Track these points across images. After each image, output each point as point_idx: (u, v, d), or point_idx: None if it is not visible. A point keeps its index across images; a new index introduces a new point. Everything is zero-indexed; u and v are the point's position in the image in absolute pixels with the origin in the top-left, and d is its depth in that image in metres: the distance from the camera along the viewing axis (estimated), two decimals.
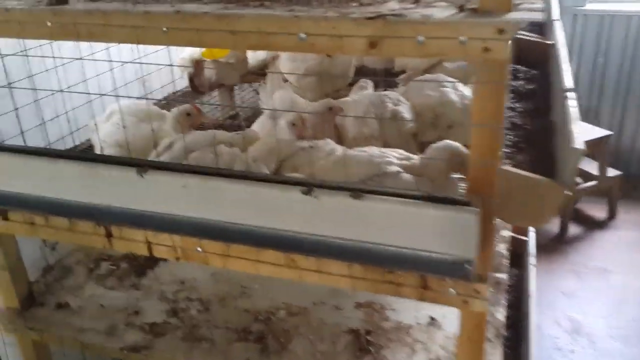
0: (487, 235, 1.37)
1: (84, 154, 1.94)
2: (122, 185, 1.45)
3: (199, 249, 1.63)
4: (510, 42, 1.18)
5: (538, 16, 1.15)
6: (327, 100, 2.01)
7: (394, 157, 1.70)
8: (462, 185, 1.87)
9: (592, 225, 5.12)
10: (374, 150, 1.70)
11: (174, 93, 2.99)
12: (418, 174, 1.68)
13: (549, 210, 1.45)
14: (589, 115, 5.64)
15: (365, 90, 2.26)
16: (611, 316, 4.11)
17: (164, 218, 1.43)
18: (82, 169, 1.52)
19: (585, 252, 4.80)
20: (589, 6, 5.36)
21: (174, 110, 1.96)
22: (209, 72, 2.79)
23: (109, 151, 2.02)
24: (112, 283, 2.21)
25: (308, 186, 1.25)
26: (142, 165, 1.41)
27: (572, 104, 1.74)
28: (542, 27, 3.12)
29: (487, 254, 1.40)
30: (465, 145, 1.86)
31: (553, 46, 2.55)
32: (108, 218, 1.54)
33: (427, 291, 1.45)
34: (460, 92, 2.22)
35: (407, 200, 1.20)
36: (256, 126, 2.06)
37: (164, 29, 1.38)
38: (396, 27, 1.23)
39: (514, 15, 1.17)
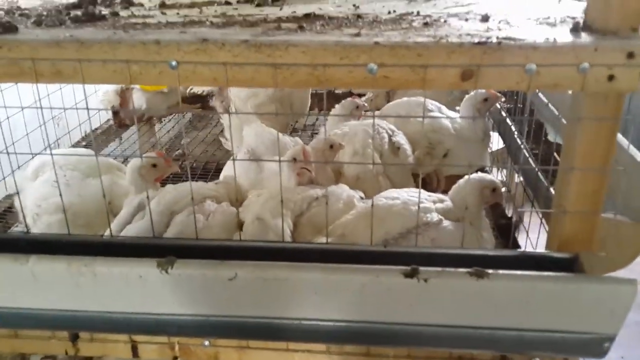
0: None
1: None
2: (127, 288, 1.02)
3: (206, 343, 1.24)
4: None
5: None
6: (327, 137, 1.68)
7: (427, 200, 1.44)
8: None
9: None
10: (402, 196, 1.43)
11: (93, 131, 2.48)
12: (455, 218, 1.43)
13: (633, 251, 1.29)
14: None
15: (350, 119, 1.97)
16: None
17: (196, 321, 1.02)
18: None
19: None
20: None
21: (135, 161, 1.52)
22: (138, 103, 2.34)
23: (48, 220, 1.52)
24: None
25: (411, 266, 0.95)
26: (163, 255, 0.99)
27: None
28: None
29: None
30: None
31: None
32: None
33: None
34: (447, 115, 2.02)
35: (543, 276, 0.94)
36: (231, 171, 1.68)
37: (173, 63, 0.99)
38: (501, 53, 0.97)
39: None
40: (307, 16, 1.27)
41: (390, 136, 1.83)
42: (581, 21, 1.03)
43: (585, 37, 0.99)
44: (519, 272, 0.96)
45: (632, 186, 1.32)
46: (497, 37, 0.98)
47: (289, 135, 2.05)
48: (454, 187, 1.53)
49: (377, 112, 2.19)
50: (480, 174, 1.56)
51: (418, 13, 1.28)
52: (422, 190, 1.51)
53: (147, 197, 1.40)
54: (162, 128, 2.73)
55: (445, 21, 1.17)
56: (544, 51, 0.97)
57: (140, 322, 1.03)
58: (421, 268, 0.95)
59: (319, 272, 0.98)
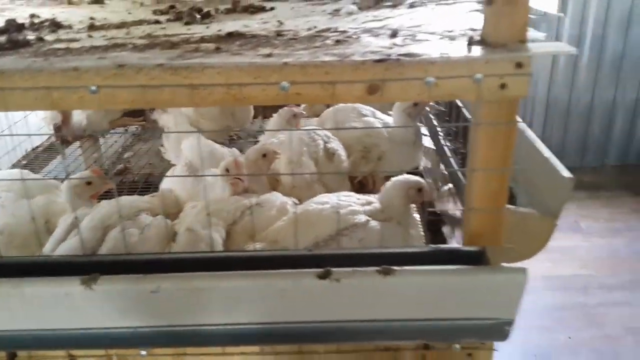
0: None
1: None
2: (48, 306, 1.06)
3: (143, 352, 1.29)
4: (529, 76, 1.06)
5: (563, 48, 1.06)
6: (260, 146, 1.75)
7: (356, 203, 1.52)
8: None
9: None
10: (332, 200, 1.50)
11: (33, 150, 2.47)
12: (383, 218, 1.51)
13: (540, 242, 1.39)
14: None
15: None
16: None
17: (127, 333, 1.07)
18: None
19: None
20: None
21: (70, 180, 1.54)
22: (79, 119, 2.35)
23: None
24: None
25: (324, 268, 1.02)
26: (94, 271, 1.04)
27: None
28: None
29: None
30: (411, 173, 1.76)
31: None
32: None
33: (429, 351, 1.30)
34: (381, 119, 2.11)
35: (443, 269, 1.03)
36: (169, 183, 1.73)
37: (93, 88, 1.04)
38: (401, 69, 1.05)
39: (532, 47, 1.06)
40: (229, 35, 1.33)
41: (325, 143, 1.90)
42: (476, 35, 1.12)
43: (478, 50, 1.08)
44: (422, 268, 1.05)
45: (540, 181, 1.43)
46: (398, 54, 1.07)
47: (228, 145, 2.10)
48: (382, 189, 1.62)
49: (316, 119, 2.27)
50: (405, 175, 1.64)
51: (336, 29, 1.36)
52: (352, 194, 1.59)
53: (76, 216, 1.44)
54: (106, 142, 2.74)
55: (357, 37, 1.25)
56: (440, 65, 1.06)
57: (73, 337, 1.08)
58: (333, 269, 1.03)
59: (237, 280, 1.04)
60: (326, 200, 1.51)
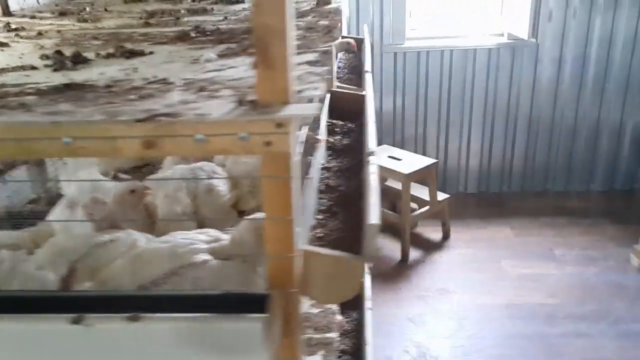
0: (291, 322, 1.33)
1: None
2: None
3: None
4: (291, 135, 1.15)
5: (313, 110, 1.14)
6: (128, 182, 1.86)
7: (203, 241, 1.61)
8: None
9: (430, 247, 5.45)
10: (178, 238, 1.59)
11: None
12: (228, 256, 1.59)
13: (354, 285, 1.46)
14: (418, 144, 6.04)
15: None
16: (454, 335, 4.36)
17: None
18: None
19: (427, 275, 5.08)
20: (407, 43, 5.77)
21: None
22: None
23: None
24: None
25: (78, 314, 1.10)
26: None
27: (373, 170, 1.79)
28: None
29: (294, 339, 1.37)
30: None
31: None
32: None
33: None
34: None
35: (188, 317, 1.10)
36: (53, 218, 1.85)
37: None
38: (172, 127, 1.15)
39: (291, 110, 1.15)
40: (67, 86, 1.45)
41: (209, 177, 2.01)
42: (248, 96, 1.21)
43: (243, 111, 1.17)
44: (170, 315, 1.12)
45: None
46: (167, 114, 1.16)
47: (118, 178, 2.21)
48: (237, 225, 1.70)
49: None
50: (259, 214, 1.72)
51: (165, 81, 1.46)
52: (201, 231, 1.68)
53: None
54: None
55: (168, 91, 1.35)
56: (208, 125, 1.15)
57: None
58: (87, 314, 1.11)
59: None
60: (169, 239, 1.60)
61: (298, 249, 1.37)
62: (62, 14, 2.93)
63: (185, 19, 2.66)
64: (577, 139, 5.92)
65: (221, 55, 1.74)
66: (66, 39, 2.19)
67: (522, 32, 5.50)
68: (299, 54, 1.67)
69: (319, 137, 2.17)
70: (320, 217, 1.85)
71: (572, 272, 4.96)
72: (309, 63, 1.54)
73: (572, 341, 4.24)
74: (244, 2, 3.06)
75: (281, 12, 1.10)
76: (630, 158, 5.90)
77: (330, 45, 1.71)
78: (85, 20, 2.69)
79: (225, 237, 1.67)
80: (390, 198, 5.62)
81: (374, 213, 1.46)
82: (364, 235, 1.46)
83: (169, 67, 1.65)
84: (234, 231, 1.67)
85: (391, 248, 5.38)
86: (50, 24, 2.60)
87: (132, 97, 1.32)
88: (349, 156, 2.30)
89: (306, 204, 1.79)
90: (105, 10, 3.05)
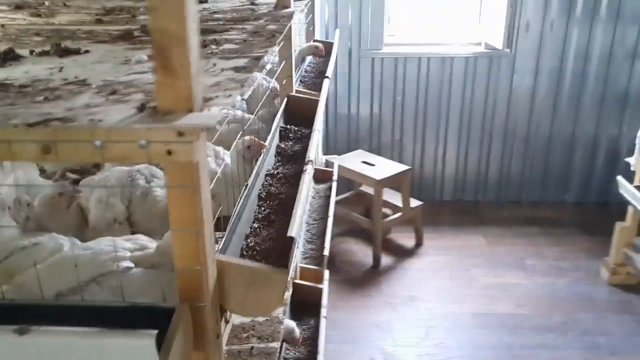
0: (204, 336, 1.29)
1: None
2: None
3: None
4: (194, 144, 1.10)
5: (214, 121, 1.10)
6: (57, 184, 1.81)
7: (128, 249, 1.56)
8: None
9: (402, 254, 5.42)
10: (103, 244, 1.55)
11: None
12: (152, 265, 1.55)
13: (276, 297, 1.42)
14: (394, 151, 6.01)
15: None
16: (420, 343, 4.32)
17: None
18: None
19: (397, 282, 5.04)
20: (385, 49, 5.74)
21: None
22: None
23: None
24: None
25: None
26: None
27: (307, 179, 1.75)
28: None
29: (209, 353, 1.32)
30: None
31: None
32: None
33: None
34: (222, 160, 2.15)
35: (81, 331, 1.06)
36: None
37: None
38: (67, 132, 1.10)
39: (192, 119, 1.11)
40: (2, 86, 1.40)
41: (147, 182, 1.95)
42: (146, 102, 1.17)
43: (143, 118, 1.13)
44: (60, 328, 1.07)
45: None
46: (61, 119, 1.12)
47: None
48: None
49: None
50: None
51: (84, 82, 1.42)
52: (129, 237, 1.63)
53: None
54: None
55: (79, 93, 1.31)
56: (105, 130, 1.10)
57: None
58: None
59: None
60: (91, 246, 1.56)
61: (212, 261, 1.33)
62: (19, 7, 2.87)
63: (142, 17, 2.61)
64: (552, 150, 5.92)
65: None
66: (8, 34, 2.13)
67: (499, 42, 5.49)
68: (230, 59, 1.63)
69: (264, 143, 2.12)
70: (255, 225, 1.81)
71: (541, 283, 4.95)
72: (235, 69, 1.49)
73: (537, 352, 4.22)
74: (206, 2, 3.00)
75: (181, 17, 1.06)
76: (605, 170, 5.90)
77: (266, 51, 1.67)
78: (38, 15, 2.63)
79: (152, 246, 1.62)
80: (364, 203, 5.58)
81: (295, 226, 1.42)
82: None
83: (96, 67, 1.60)
84: (161, 240, 1.63)
85: (363, 253, 5.35)
86: (0, 18, 2.53)
87: (40, 98, 1.27)
88: (297, 163, 2.26)
89: (239, 213, 1.75)
90: (65, 5, 2.99)
